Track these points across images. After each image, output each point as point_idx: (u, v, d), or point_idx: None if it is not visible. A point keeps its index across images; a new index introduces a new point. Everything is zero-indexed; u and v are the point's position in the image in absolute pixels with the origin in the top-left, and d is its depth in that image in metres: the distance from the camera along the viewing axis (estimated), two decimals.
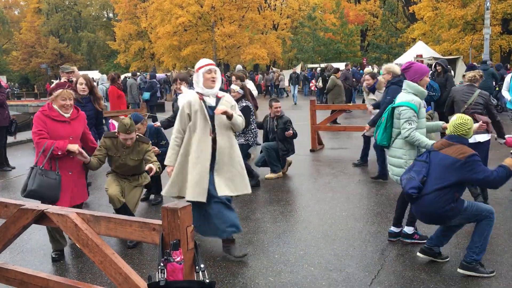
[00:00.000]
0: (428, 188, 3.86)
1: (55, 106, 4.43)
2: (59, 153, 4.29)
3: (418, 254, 4.22)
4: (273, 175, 7.56)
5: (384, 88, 6.96)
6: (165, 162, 4.45)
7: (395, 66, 6.70)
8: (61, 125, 4.42)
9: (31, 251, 4.87)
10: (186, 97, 4.44)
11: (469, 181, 3.89)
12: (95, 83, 7.64)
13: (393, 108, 4.57)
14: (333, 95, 14.69)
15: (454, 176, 3.78)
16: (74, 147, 4.37)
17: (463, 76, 6.22)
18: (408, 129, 4.34)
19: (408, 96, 4.47)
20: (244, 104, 6.70)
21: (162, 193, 4.55)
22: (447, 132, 4.05)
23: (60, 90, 4.40)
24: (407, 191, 3.96)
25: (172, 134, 4.42)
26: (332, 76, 15.11)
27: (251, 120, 6.83)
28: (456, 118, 3.96)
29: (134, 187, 5.13)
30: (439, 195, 3.79)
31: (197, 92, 4.38)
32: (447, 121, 4.57)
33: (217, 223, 4.26)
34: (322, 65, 29.09)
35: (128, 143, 4.86)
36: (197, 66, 4.41)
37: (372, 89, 7.94)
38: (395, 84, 6.36)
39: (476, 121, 5.57)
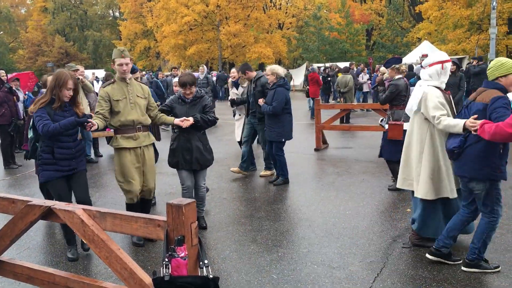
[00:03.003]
0: (472, 139, 3.75)
1: None
2: None
3: (427, 255, 4.22)
4: (268, 172, 7.65)
5: (245, 84, 7.65)
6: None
7: (279, 68, 7.02)
8: None
9: (38, 247, 4.93)
10: (433, 91, 4.18)
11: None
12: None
13: None
14: (351, 94, 15.17)
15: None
16: None
17: (396, 68, 6.50)
18: None
19: None
20: None
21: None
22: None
23: None
24: (450, 146, 3.87)
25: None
26: (350, 76, 15.23)
27: None
28: (494, 62, 3.86)
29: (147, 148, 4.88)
30: (484, 142, 3.65)
31: (438, 88, 4.25)
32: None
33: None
34: (327, 64, 29.08)
35: (124, 69, 4.67)
36: (439, 58, 4.28)
37: (236, 84, 8.08)
38: (281, 86, 6.77)
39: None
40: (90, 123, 4.29)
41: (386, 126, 6.49)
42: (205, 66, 14.91)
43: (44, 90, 5.64)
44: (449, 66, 4.33)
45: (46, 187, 4.54)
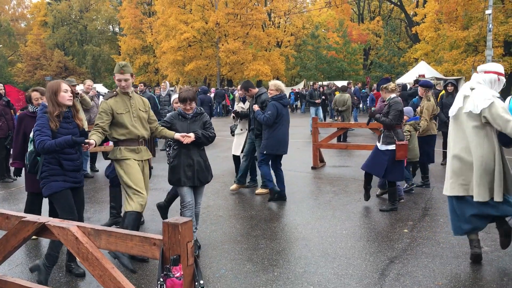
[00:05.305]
0: None
1: None
2: None
3: None
4: (264, 190, 7.63)
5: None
6: None
7: (282, 84, 7.30)
8: None
9: (30, 263, 4.84)
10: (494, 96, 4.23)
11: None
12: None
13: None
14: (348, 113, 15.34)
15: None
16: None
17: (385, 88, 6.56)
18: None
19: None
20: None
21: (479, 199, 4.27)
22: None
23: None
24: None
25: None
26: (348, 94, 15.35)
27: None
28: None
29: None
30: None
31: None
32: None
33: None
34: (325, 83, 29.29)
35: (122, 84, 4.68)
36: (497, 69, 4.38)
37: (243, 99, 8.24)
38: (275, 100, 6.95)
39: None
40: (87, 145, 4.22)
41: (385, 148, 6.40)
42: (167, 83, 14.51)
43: (31, 105, 5.49)
44: (503, 80, 4.37)
45: (51, 199, 4.28)
